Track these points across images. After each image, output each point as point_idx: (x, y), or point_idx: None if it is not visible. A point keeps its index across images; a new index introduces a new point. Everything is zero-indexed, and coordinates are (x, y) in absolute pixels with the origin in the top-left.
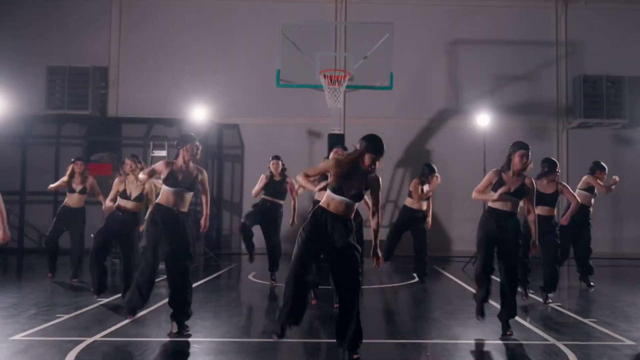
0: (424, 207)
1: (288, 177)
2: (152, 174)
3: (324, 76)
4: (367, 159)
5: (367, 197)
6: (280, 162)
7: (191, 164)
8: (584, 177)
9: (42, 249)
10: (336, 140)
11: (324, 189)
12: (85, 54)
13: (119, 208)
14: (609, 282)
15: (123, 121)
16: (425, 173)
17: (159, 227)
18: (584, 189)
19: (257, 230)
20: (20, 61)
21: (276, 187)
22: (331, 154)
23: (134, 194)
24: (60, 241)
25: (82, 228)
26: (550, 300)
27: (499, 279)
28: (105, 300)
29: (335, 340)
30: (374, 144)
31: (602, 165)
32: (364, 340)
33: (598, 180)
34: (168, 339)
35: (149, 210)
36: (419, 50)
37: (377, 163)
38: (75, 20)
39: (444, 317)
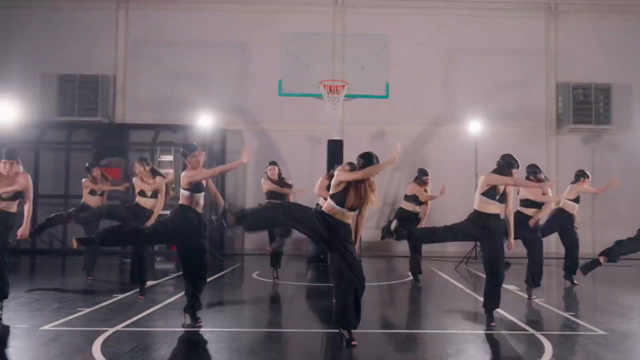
0: (418, 210)
1: (286, 180)
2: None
3: (324, 86)
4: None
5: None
6: (277, 168)
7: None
8: (572, 187)
9: (53, 250)
10: (335, 146)
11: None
12: (94, 63)
13: (138, 204)
14: (592, 281)
15: (130, 127)
16: (420, 177)
17: (180, 225)
18: (572, 200)
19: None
20: (33, 70)
21: (276, 191)
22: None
23: (149, 193)
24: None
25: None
26: (534, 296)
27: (483, 275)
28: (121, 296)
29: (335, 330)
30: (369, 160)
31: (586, 172)
32: (362, 331)
33: (585, 186)
34: (183, 329)
35: (158, 206)
36: (415, 58)
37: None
38: (85, 32)
39: (435, 310)
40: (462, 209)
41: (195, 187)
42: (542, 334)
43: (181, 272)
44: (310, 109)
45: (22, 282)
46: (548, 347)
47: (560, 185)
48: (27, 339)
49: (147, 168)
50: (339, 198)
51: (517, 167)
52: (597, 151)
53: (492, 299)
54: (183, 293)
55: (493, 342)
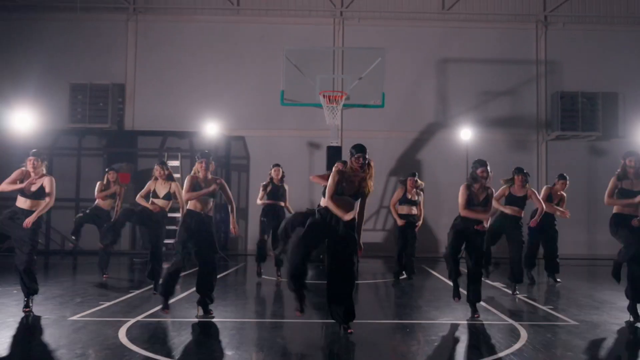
0: (414, 212)
1: (285, 184)
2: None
3: (323, 96)
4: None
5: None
6: (280, 169)
7: (209, 175)
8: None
9: (65, 251)
10: (334, 152)
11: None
12: (104, 72)
13: (152, 204)
14: (575, 279)
15: (139, 134)
16: (405, 180)
17: (190, 228)
18: (545, 199)
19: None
20: (46, 79)
21: (277, 191)
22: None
23: (162, 193)
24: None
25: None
26: (517, 292)
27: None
28: (137, 292)
29: (333, 321)
30: (358, 150)
31: (563, 175)
32: (358, 321)
33: (553, 190)
34: (197, 320)
35: (181, 213)
36: (411, 68)
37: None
38: (96, 42)
39: (425, 304)
40: (456, 213)
41: (195, 189)
42: (520, 324)
43: (189, 270)
44: (310, 116)
45: (41, 280)
46: (524, 335)
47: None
48: (59, 327)
49: (166, 172)
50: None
51: (479, 166)
52: (585, 157)
53: (476, 292)
54: (194, 289)
55: (475, 331)
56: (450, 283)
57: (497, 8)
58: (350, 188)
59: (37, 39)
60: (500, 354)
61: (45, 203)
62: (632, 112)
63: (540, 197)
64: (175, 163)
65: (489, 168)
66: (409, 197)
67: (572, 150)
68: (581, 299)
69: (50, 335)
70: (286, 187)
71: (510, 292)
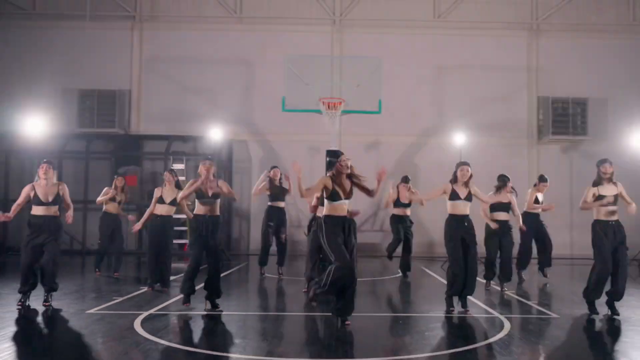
0: (408, 213)
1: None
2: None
3: (323, 102)
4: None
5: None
6: (278, 171)
7: (212, 177)
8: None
9: (73, 251)
10: (333, 156)
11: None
12: (111, 79)
13: (156, 213)
14: (562, 278)
15: (145, 138)
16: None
17: (200, 231)
18: (532, 201)
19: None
20: (55, 86)
21: (277, 192)
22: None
23: (168, 200)
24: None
25: (121, 230)
26: (506, 289)
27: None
28: (146, 289)
29: (330, 314)
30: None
31: (543, 177)
32: (357, 314)
33: (532, 191)
34: (205, 313)
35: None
36: (406, 74)
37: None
38: (103, 50)
39: (418, 299)
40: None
41: (199, 195)
42: (505, 317)
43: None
44: (310, 120)
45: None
46: (507, 326)
47: (544, 194)
48: (78, 319)
49: (175, 178)
50: (333, 195)
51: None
52: (575, 160)
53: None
54: (202, 285)
55: (463, 323)
56: (444, 281)
57: (490, 16)
58: (344, 191)
59: (48, 47)
60: (483, 343)
61: (69, 211)
62: (621, 117)
63: (527, 201)
64: (180, 166)
65: (470, 169)
66: (402, 201)
67: (562, 154)
68: (565, 295)
69: (72, 327)
70: (286, 185)
71: (499, 289)
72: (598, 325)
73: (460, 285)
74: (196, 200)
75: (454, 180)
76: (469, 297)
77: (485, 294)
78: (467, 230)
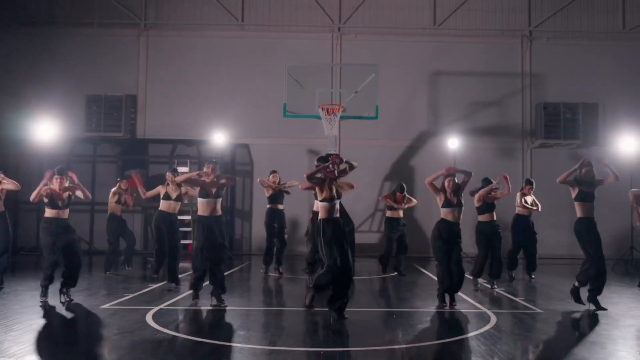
0: (402, 215)
1: (284, 184)
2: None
3: (322, 109)
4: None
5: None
6: (277, 175)
7: (214, 177)
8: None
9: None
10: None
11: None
12: (118, 84)
13: (162, 210)
14: (552, 276)
15: (150, 142)
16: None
17: (202, 230)
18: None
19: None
20: (64, 91)
21: (276, 196)
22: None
23: (173, 196)
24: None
25: (131, 230)
26: (495, 286)
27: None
28: (155, 286)
29: (326, 309)
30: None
31: (529, 180)
32: (354, 309)
33: (521, 194)
34: (211, 308)
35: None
36: (404, 80)
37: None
38: (110, 56)
39: (412, 296)
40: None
41: (202, 194)
42: (492, 312)
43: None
44: (310, 125)
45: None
46: (493, 320)
47: (537, 196)
48: (95, 314)
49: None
50: (324, 197)
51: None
52: (566, 163)
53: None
54: (207, 282)
55: (452, 317)
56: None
57: (485, 24)
58: (336, 192)
59: (57, 54)
60: (468, 335)
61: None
62: (611, 121)
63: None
64: (185, 169)
65: (455, 179)
66: (396, 206)
67: (554, 157)
68: (552, 292)
69: (89, 320)
70: (287, 186)
71: (489, 286)
72: (579, 319)
73: (448, 283)
74: (199, 200)
75: (444, 191)
76: (459, 293)
77: (475, 292)
78: (454, 233)
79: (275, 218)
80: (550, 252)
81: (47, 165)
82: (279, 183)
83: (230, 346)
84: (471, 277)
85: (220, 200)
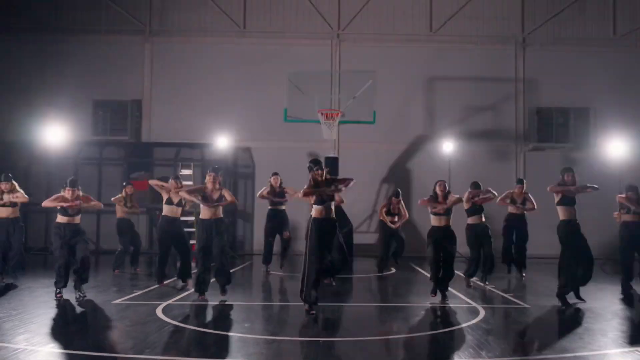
0: (396, 219)
1: (285, 188)
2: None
3: (321, 114)
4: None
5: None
6: (279, 178)
7: (217, 186)
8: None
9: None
10: (331, 162)
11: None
12: (123, 89)
13: (165, 214)
14: (543, 274)
15: (155, 145)
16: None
17: (203, 232)
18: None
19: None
20: (72, 96)
21: (279, 195)
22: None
23: (175, 201)
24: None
25: (137, 232)
26: (487, 282)
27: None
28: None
29: (327, 304)
30: (314, 164)
31: (520, 179)
32: (353, 303)
33: (515, 193)
34: (216, 303)
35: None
36: (401, 84)
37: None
38: (116, 62)
39: (406, 291)
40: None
41: (204, 200)
42: (482, 306)
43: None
44: (310, 129)
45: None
46: (482, 313)
47: (534, 196)
48: (106, 308)
49: (179, 186)
50: (317, 200)
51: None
52: (558, 166)
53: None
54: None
55: (442, 311)
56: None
57: (480, 30)
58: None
59: (65, 60)
60: (458, 327)
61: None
62: (602, 126)
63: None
64: (188, 172)
65: (446, 184)
66: (392, 211)
67: (547, 160)
68: (540, 289)
69: (102, 314)
70: (287, 190)
71: (481, 283)
72: (564, 314)
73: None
74: (201, 205)
75: (435, 197)
76: (452, 290)
77: (467, 289)
78: (447, 236)
79: (275, 218)
80: (542, 252)
81: (56, 168)
82: (280, 185)
83: (235, 336)
84: (464, 277)
85: (220, 203)
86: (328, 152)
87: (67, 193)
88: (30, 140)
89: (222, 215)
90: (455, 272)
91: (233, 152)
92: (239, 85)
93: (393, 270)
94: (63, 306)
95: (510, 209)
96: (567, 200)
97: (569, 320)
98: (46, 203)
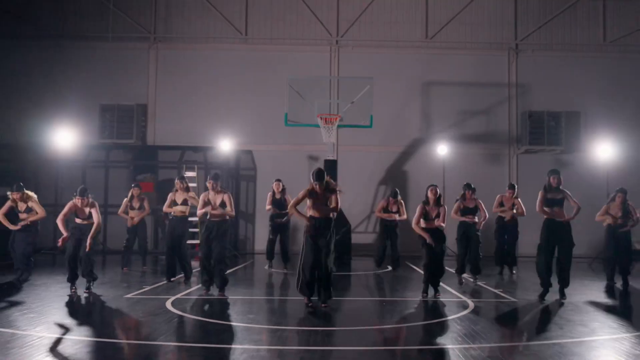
0: (395, 217)
1: (286, 195)
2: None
3: (321, 118)
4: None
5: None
6: (280, 184)
7: (218, 188)
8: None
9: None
10: (330, 165)
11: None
12: (129, 94)
13: (172, 214)
14: (531, 272)
15: (160, 148)
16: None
17: (205, 232)
18: (497, 205)
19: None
20: (79, 101)
21: (279, 202)
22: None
23: (180, 201)
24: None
25: (146, 232)
26: (477, 280)
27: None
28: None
29: (315, 298)
30: (314, 175)
31: (511, 184)
32: (348, 298)
33: (505, 198)
34: (221, 297)
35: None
36: (398, 89)
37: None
38: (122, 68)
39: (401, 288)
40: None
41: (207, 204)
42: (472, 300)
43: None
44: (309, 132)
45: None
46: (471, 306)
47: (522, 198)
48: (119, 302)
49: (184, 185)
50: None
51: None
52: (550, 167)
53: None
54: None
55: (435, 304)
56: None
57: (474, 37)
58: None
59: (73, 66)
60: (448, 318)
61: (95, 225)
62: (592, 129)
63: (487, 206)
64: (192, 174)
65: (437, 189)
66: (390, 209)
67: (539, 163)
68: (529, 285)
69: (116, 307)
70: (286, 197)
71: (472, 280)
72: (548, 307)
73: (431, 275)
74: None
75: (427, 201)
76: (444, 286)
77: (459, 285)
78: (437, 237)
79: (277, 218)
80: (533, 252)
81: (65, 170)
82: (281, 191)
83: (241, 326)
84: (456, 274)
85: (221, 209)
86: (327, 155)
87: (77, 202)
88: (40, 144)
89: (226, 217)
90: (446, 268)
91: (235, 155)
92: (241, 90)
93: (389, 268)
94: (78, 300)
95: (500, 213)
96: (547, 202)
97: (552, 313)
98: (59, 224)
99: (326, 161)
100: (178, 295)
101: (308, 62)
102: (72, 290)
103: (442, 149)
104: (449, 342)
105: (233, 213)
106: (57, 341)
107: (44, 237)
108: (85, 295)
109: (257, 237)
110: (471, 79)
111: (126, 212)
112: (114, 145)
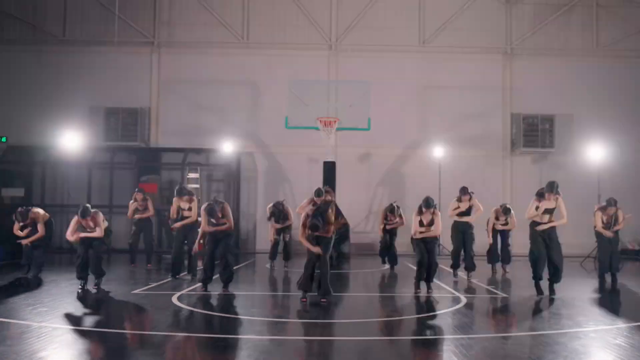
0: (395, 221)
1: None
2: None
3: (320, 121)
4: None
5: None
6: (283, 205)
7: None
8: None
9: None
10: (329, 166)
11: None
12: (133, 97)
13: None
14: (527, 271)
15: (163, 150)
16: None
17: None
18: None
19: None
20: (85, 105)
21: (281, 215)
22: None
23: (186, 207)
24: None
25: (151, 232)
26: (471, 277)
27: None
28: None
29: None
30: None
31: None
32: (346, 294)
33: (497, 211)
34: (225, 292)
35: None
36: (395, 93)
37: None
38: (125, 72)
39: (396, 283)
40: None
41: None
42: (464, 296)
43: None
44: (309, 134)
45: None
46: (463, 301)
47: (515, 199)
48: (127, 297)
49: (185, 198)
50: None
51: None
52: (544, 170)
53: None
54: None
55: (428, 300)
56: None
57: (470, 42)
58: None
59: (78, 70)
60: (441, 311)
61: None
62: (584, 131)
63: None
64: (195, 175)
65: (431, 209)
66: (388, 220)
67: (532, 165)
68: (521, 282)
69: (125, 301)
70: (286, 208)
71: (465, 277)
72: (537, 302)
73: (424, 273)
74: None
75: (420, 211)
76: (437, 282)
77: (454, 282)
78: (429, 240)
79: (279, 217)
80: (525, 252)
81: (71, 171)
82: (282, 204)
83: (245, 318)
84: (451, 270)
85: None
86: (326, 157)
87: (83, 222)
88: (47, 146)
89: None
90: (441, 266)
91: (237, 156)
92: (242, 94)
93: (387, 266)
94: (88, 295)
95: (495, 225)
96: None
97: (541, 307)
98: (70, 239)
99: (325, 163)
100: (183, 291)
101: (307, 66)
102: (81, 288)
103: (439, 151)
104: (441, 334)
105: (232, 226)
106: (72, 332)
107: (55, 237)
108: (94, 291)
109: (258, 236)
110: (466, 82)
111: (137, 210)
112: (118, 148)
